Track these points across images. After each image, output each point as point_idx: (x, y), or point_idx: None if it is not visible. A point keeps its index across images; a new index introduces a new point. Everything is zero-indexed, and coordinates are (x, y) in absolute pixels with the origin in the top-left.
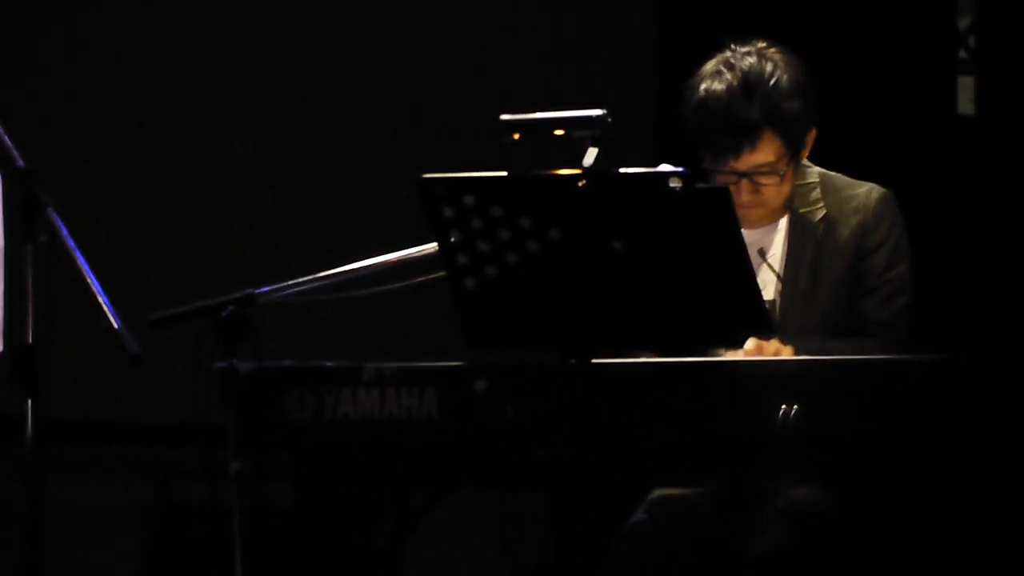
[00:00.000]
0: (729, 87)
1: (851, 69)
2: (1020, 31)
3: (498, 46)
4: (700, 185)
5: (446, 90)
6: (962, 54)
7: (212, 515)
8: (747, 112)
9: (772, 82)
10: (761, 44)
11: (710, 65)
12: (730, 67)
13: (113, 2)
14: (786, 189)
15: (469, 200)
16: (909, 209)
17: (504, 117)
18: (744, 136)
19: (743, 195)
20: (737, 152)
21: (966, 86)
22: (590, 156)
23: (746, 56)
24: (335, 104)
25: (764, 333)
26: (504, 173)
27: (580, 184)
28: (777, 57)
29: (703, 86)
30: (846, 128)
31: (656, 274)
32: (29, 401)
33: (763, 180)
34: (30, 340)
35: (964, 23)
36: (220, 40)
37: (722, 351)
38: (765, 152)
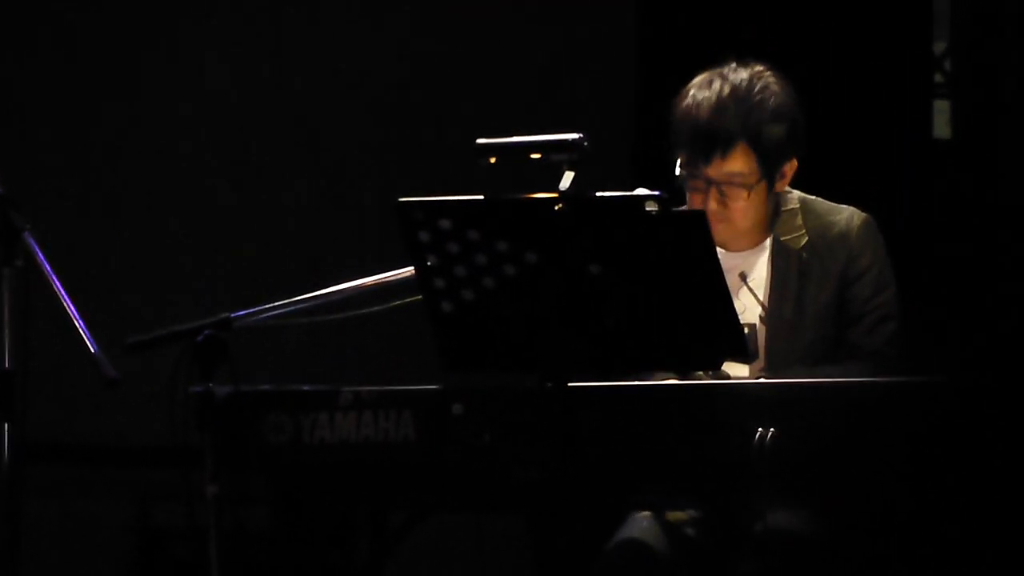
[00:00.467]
0: (716, 95)
1: (827, 92)
2: (995, 55)
3: (476, 69)
4: (676, 209)
5: (423, 114)
6: (938, 78)
7: (190, 538)
8: (725, 120)
9: (758, 99)
10: (760, 67)
11: (701, 77)
12: (722, 78)
13: (89, 24)
14: (754, 212)
15: (446, 224)
16: (885, 233)
17: (480, 141)
18: (717, 143)
19: (710, 203)
20: (708, 158)
21: (942, 110)
22: (566, 180)
23: (740, 71)
24: (312, 127)
25: (740, 356)
26: (480, 197)
27: (556, 208)
28: (771, 80)
29: (692, 92)
30: (822, 151)
31: (633, 297)
32: (6, 424)
33: (730, 193)
34: (7, 364)
35: (940, 47)
36: (199, 65)
37: (699, 374)
38: (736, 163)
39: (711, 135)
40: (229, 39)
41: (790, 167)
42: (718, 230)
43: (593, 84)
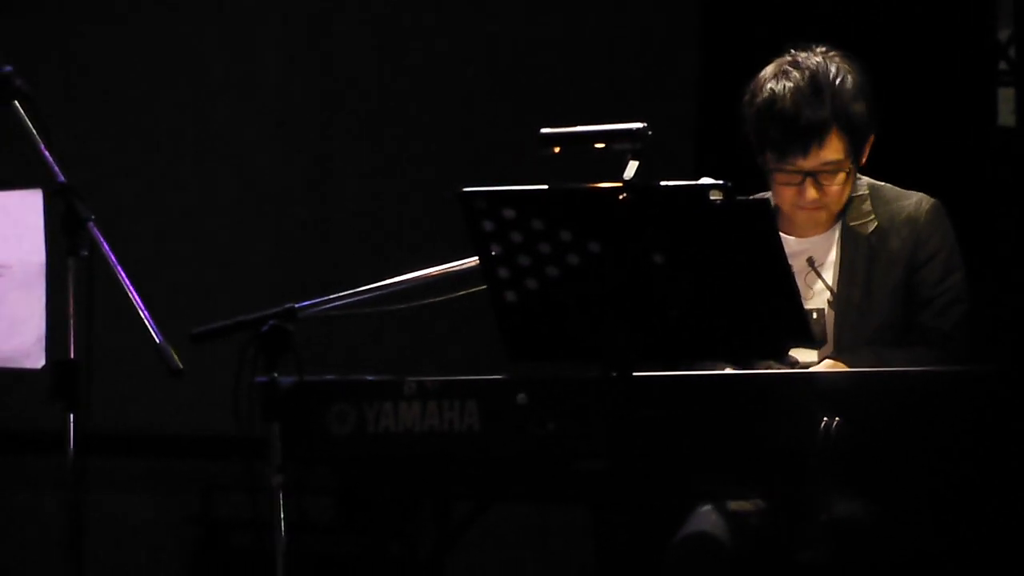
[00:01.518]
0: (797, 86)
1: (892, 81)
2: None
3: (539, 59)
4: (741, 197)
5: (487, 104)
6: (1002, 66)
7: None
8: (816, 110)
9: (839, 81)
10: (822, 48)
11: (772, 67)
12: (796, 66)
13: (150, 22)
14: (847, 191)
15: (510, 213)
16: (950, 220)
17: (544, 131)
18: (813, 134)
19: (808, 194)
20: (805, 150)
21: (1007, 98)
22: (630, 169)
23: (811, 56)
24: (377, 118)
25: (806, 344)
26: (544, 186)
27: (620, 197)
28: (839, 59)
29: (768, 86)
30: (887, 140)
31: (697, 287)
32: (71, 415)
33: (828, 180)
34: (72, 354)
35: (1004, 35)
36: (255, 56)
37: (765, 363)
38: (832, 150)
39: (805, 127)
40: (288, 33)
41: (870, 142)
42: (816, 216)
43: (656, 73)
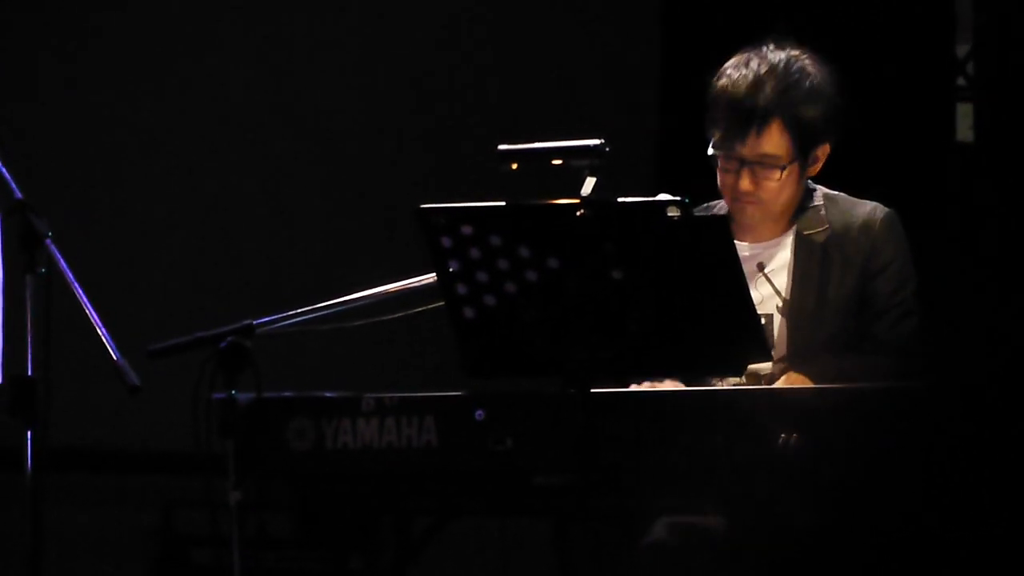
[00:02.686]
0: (754, 73)
1: (850, 96)
2: (1018, 58)
3: (497, 75)
4: (699, 214)
5: (444, 120)
6: (961, 81)
7: (213, 544)
8: (761, 97)
9: (795, 78)
10: (798, 49)
11: (741, 55)
12: (759, 57)
13: (110, 34)
14: (785, 195)
15: (467, 230)
16: (909, 235)
17: (502, 147)
18: (753, 121)
19: (742, 183)
20: (744, 136)
21: (965, 113)
22: (588, 185)
23: (778, 51)
24: (334, 134)
25: (763, 359)
26: (502, 203)
27: (578, 213)
28: (808, 62)
29: (728, 70)
30: (847, 154)
31: (655, 302)
32: (29, 431)
33: (764, 173)
34: (29, 371)
35: (963, 50)
36: (217, 72)
37: (721, 379)
38: (772, 143)
39: (747, 112)
40: (248, 49)
41: (823, 151)
42: (747, 212)
43: (616, 88)
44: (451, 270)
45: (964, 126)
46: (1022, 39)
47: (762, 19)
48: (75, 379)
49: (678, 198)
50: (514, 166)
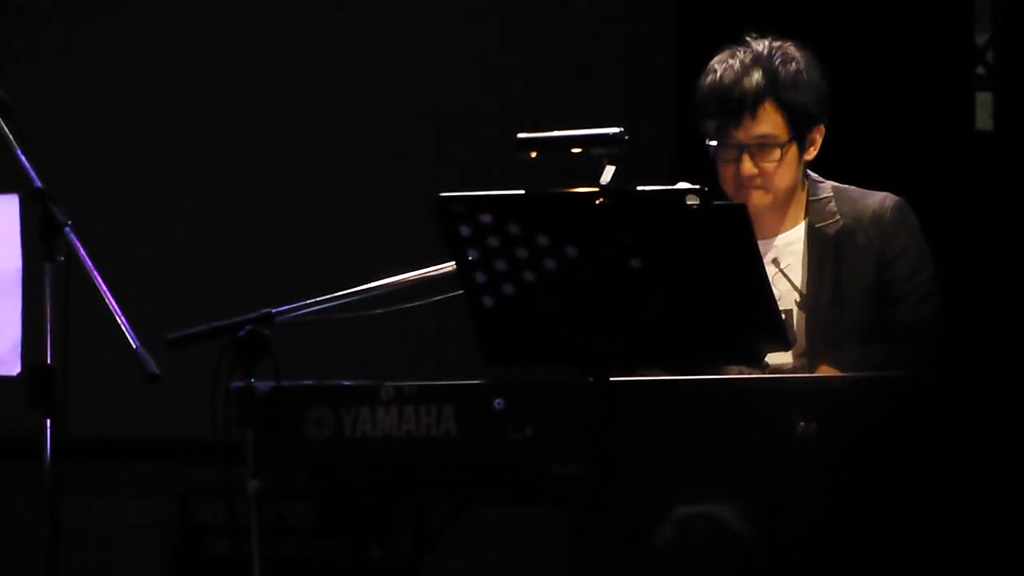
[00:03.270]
0: (740, 61)
1: (870, 85)
2: None
3: (516, 64)
4: (717, 202)
5: (464, 108)
6: (980, 70)
7: (231, 533)
8: (751, 81)
9: (780, 61)
10: (780, 39)
11: (725, 50)
12: (744, 48)
13: (133, 24)
14: (788, 176)
15: (486, 218)
16: (927, 224)
17: (521, 135)
18: (746, 104)
19: (744, 167)
20: (739, 121)
21: (984, 102)
22: (607, 174)
23: (761, 41)
24: (354, 123)
25: (782, 348)
26: (521, 191)
27: (597, 202)
28: (791, 48)
29: (714, 65)
30: (865, 143)
31: (674, 291)
32: (47, 420)
33: (764, 155)
34: (48, 360)
35: (982, 39)
36: (239, 62)
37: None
38: (767, 124)
39: (739, 97)
40: (267, 39)
41: (819, 133)
42: (755, 197)
43: (634, 77)
44: (470, 259)
45: (983, 115)
46: None
47: (779, 8)
48: (94, 368)
49: (697, 187)
50: (533, 154)
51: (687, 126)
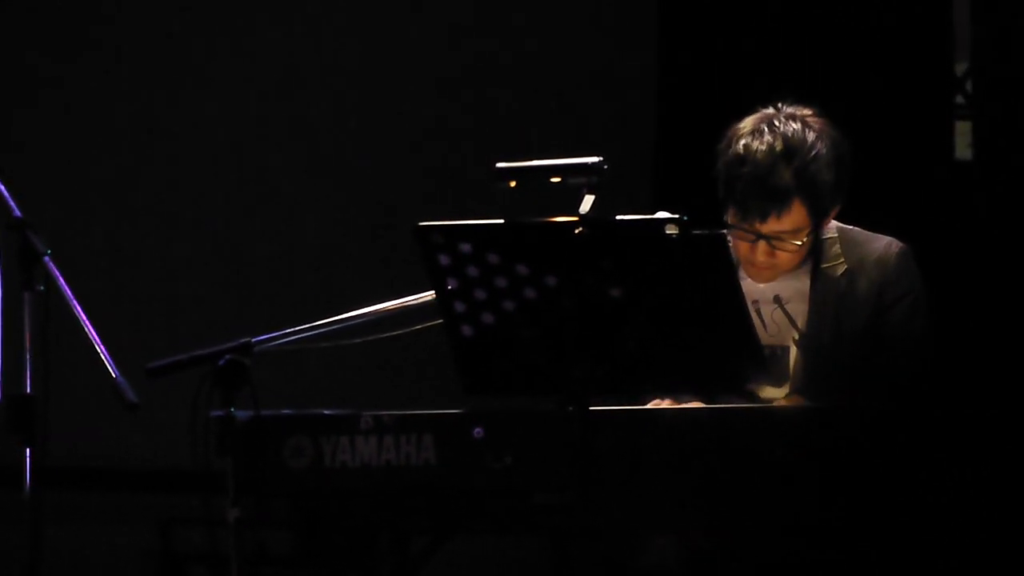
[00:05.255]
0: (770, 148)
1: (848, 115)
2: (1016, 76)
3: (495, 93)
4: (696, 231)
5: (443, 138)
6: (959, 99)
7: (211, 562)
8: (783, 178)
9: (813, 153)
10: (807, 111)
11: (751, 121)
12: (772, 128)
13: (109, 47)
14: (800, 256)
15: (466, 248)
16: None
17: (500, 165)
18: (776, 201)
19: (759, 256)
20: (764, 216)
21: (963, 131)
22: (586, 203)
23: (790, 121)
24: (333, 152)
25: (762, 377)
26: (501, 221)
27: (576, 231)
28: (819, 127)
29: (743, 141)
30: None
31: (653, 320)
32: (28, 449)
33: (782, 245)
34: (28, 389)
35: (961, 68)
36: (216, 87)
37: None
38: (791, 220)
39: (769, 195)
40: (248, 66)
41: (835, 210)
42: (763, 275)
43: (614, 106)
44: (449, 288)
45: (963, 144)
46: (1020, 56)
47: (760, 39)
48: (73, 397)
49: (676, 216)
50: (512, 184)
51: (667, 155)
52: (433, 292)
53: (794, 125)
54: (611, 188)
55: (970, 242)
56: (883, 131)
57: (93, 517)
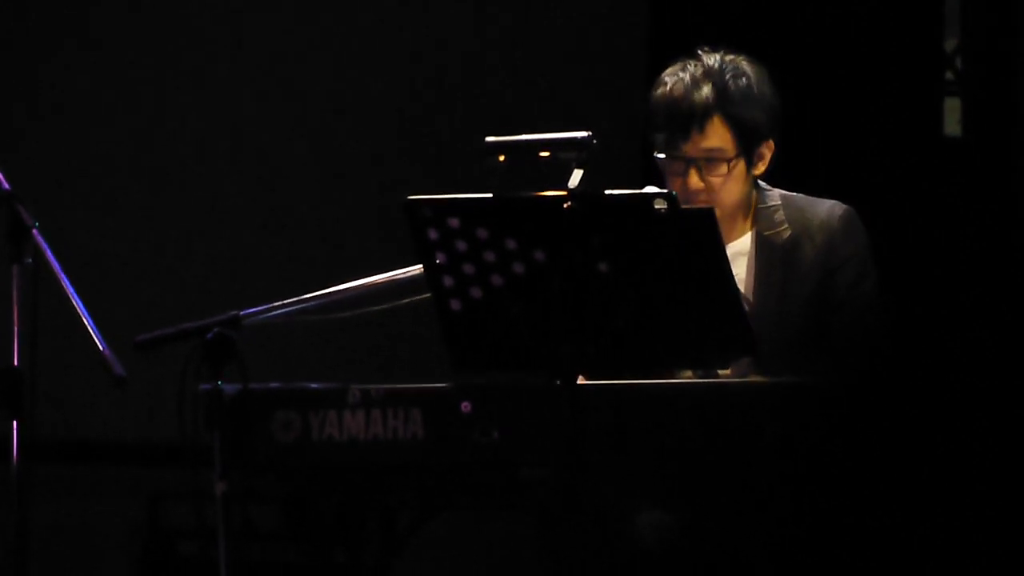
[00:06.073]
0: (691, 75)
1: (838, 91)
2: (1006, 53)
3: (484, 67)
4: (685, 206)
5: (433, 111)
6: (949, 76)
7: (199, 536)
8: (700, 94)
9: (730, 75)
10: (733, 53)
11: (677, 63)
12: (695, 60)
13: (98, 26)
14: (736, 190)
15: (454, 222)
16: (895, 230)
17: (489, 139)
18: (694, 117)
19: (691, 181)
20: (687, 134)
21: (952, 108)
22: (575, 178)
23: (713, 54)
24: (324, 125)
25: (748, 353)
26: (489, 195)
27: (565, 206)
28: (743, 62)
29: (666, 77)
30: (833, 149)
31: (642, 296)
32: (15, 422)
33: (711, 169)
34: (16, 362)
35: (951, 45)
36: (208, 66)
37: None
38: (714, 138)
39: (687, 110)
40: (239, 42)
41: (768, 148)
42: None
43: (603, 81)
44: (438, 262)
45: (952, 121)
46: (1010, 33)
47: (749, 14)
48: (62, 370)
49: (665, 191)
50: (501, 158)
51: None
52: (421, 266)
53: (715, 56)
54: (600, 162)
55: (959, 219)
56: (872, 108)
57: (80, 491)
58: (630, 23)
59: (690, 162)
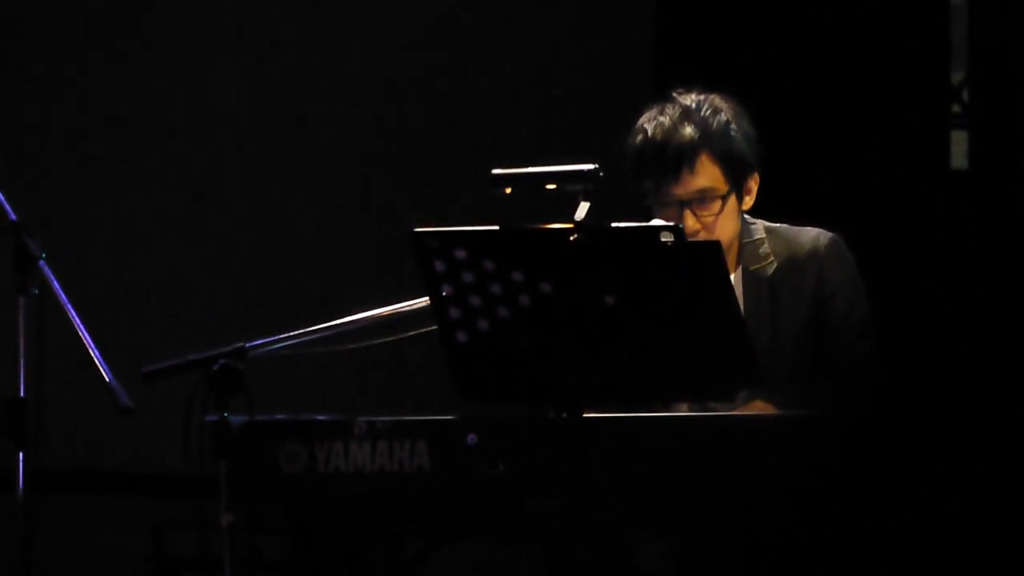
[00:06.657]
0: (670, 117)
1: (845, 123)
2: (1013, 86)
3: (491, 97)
4: (692, 239)
5: (439, 143)
6: (955, 109)
7: (205, 567)
8: (685, 134)
9: (709, 112)
10: (700, 90)
11: (650, 109)
12: (671, 103)
13: (103, 57)
14: (729, 226)
15: (461, 254)
16: (902, 263)
17: (496, 171)
18: (683, 158)
19: (687, 223)
20: (677, 176)
21: (959, 141)
22: (582, 210)
23: (687, 94)
24: (329, 156)
25: (755, 385)
26: (496, 227)
27: (572, 238)
28: (717, 100)
29: (643, 124)
30: (840, 181)
31: (648, 328)
32: (20, 452)
33: (704, 209)
34: (21, 392)
35: (957, 78)
36: (213, 95)
37: (714, 405)
38: (705, 177)
39: (674, 152)
40: (243, 69)
41: (754, 181)
42: None
43: (609, 112)
44: (444, 294)
45: (959, 154)
46: (1017, 66)
47: (755, 50)
48: (67, 400)
49: (671, 224)
50: (508, 190)
51: None
52: (428, 298)
53: (691, 96)
54: (605, 193)
55: (966, 252)
56: (879, 140)
57: (86, 521)
58: (637, 54)
59: (683, 204)
